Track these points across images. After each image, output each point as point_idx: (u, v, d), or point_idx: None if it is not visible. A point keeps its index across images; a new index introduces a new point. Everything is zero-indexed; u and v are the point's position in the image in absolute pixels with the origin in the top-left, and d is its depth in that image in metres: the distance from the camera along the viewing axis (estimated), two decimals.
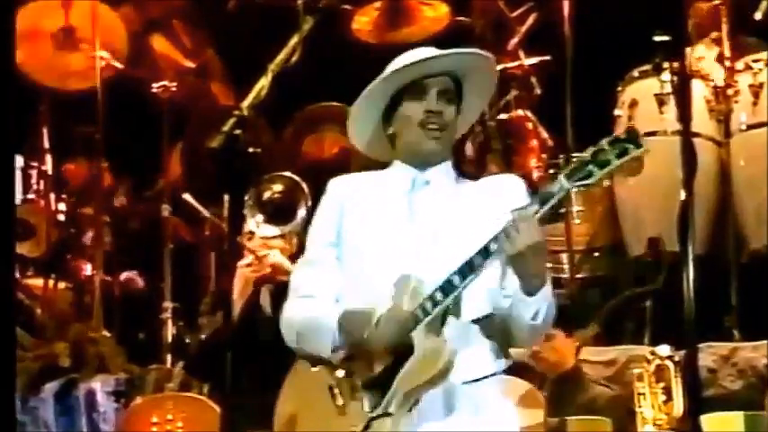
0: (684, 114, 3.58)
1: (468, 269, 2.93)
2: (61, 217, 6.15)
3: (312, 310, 3.09)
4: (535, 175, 5.70)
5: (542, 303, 2.95)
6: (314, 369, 3.07)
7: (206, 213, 5.60)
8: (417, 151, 3.13)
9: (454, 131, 3.17)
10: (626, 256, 5.51)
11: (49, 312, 5.96)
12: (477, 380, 3.04)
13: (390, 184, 3.18)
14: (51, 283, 6.05)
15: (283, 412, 3.15)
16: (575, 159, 2.82)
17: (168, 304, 5.79)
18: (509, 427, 3.06)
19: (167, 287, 5.80)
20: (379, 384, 2.99)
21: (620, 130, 5.20)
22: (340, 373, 3.04)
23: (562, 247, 5.65)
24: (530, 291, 2.94)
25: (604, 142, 2.81)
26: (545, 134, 5.82)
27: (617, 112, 5.44)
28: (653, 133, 5.27)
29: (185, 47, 6.39)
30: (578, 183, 2.80)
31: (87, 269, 6.10)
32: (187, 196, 5.55)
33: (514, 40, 5.99)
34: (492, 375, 3.07)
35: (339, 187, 3.21)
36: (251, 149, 3.36)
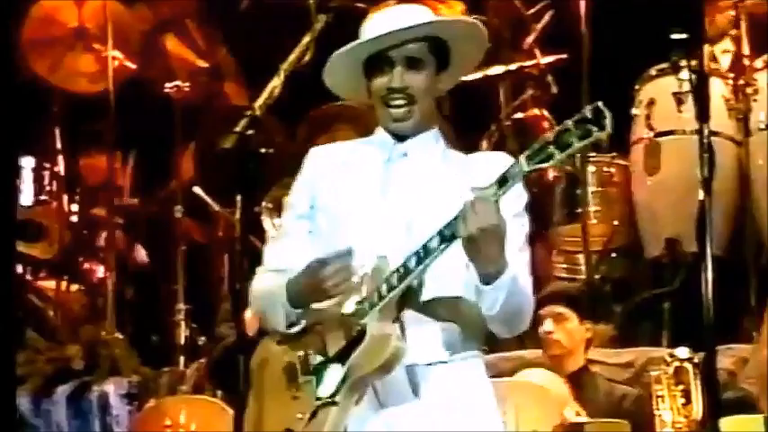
0: (703, 113, 3.51)
1: (425, 253, 2.78)
2: (74, 218, 6.14)
3: (272, 281, 2.93)
4: (551, 175, 5.64)
5: (500, 293, 2.75)
6: (277, 347, 2.95)
7: (216, 207, 5.59)
8: (385, 127, 2.98)
9: (429, 99, 2.97)
10: (643, 257, 5.46)
11: (61, 315, 5.96)
12: (444, 362, 2.87)
13: (368, 154, 3.02)
14: (64, 285, 6.04)
15: (251, 392, 3.04)
16: (537, 140, 2.68)
17: (181, 306, 5.77)
18: (482, 412, 2.90)
19: (180, 288, 5.78)
20: (330, 371, 2.86)
21: (637, 130, 5.39)
22: (283, 350, 2.90)
23: (578, 248, 5.59)
24: (486, 279, 2.75)
25: (569, 122, 2.65)
26: None
27: (634, 111, 5.40)
28: (671, 132, 5.28)
29: (198, 47, 6.37)
30: (537, 165, 2.67)
31: (100, 271, 6.09)
32: (197, 189, 5.54)
33: (530, 39, 5.94)
34: (463, 358, 2.89)
35: (316, 157, 3.04)
36: (264, 150, 3.30)
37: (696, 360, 4.15)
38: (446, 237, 2.77)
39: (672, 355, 4.23)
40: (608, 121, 2.63)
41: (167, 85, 5.98)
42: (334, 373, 2.85)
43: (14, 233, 3.39)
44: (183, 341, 5.73)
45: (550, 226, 5.67)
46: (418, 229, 2.86)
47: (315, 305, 2.89)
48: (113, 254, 5.98)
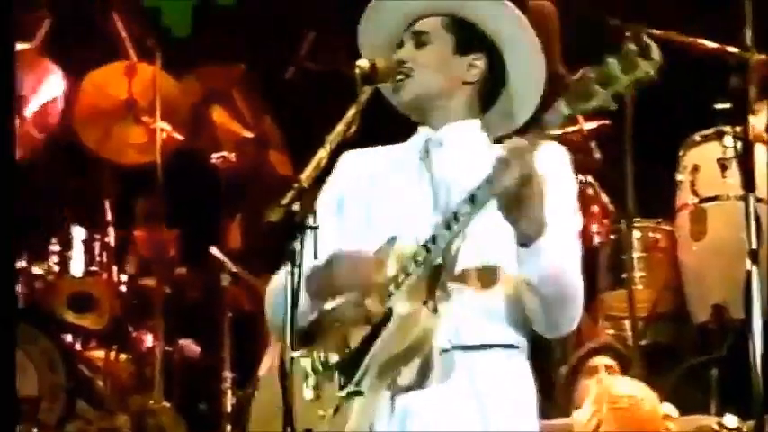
0: (748, 183, 3.52)
1: (454, 219, 2.55)
2: (123, 288, 6.16)
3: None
4: (596, 240, 5.60)
5: (541, 256, 2.51)
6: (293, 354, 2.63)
7: (233, 268, 5.59)
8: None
9: (437, 76, 2.81)
10: (690, 322, 5.42)
11: (110, 384, 5.96)
12: (475, 346, 2.66)
13: (404, 149, 2.88)
14: (113, 354, 6.05)
15: (260, 399, 2.85)
16: (573, 80, 2.41)
17: (228, 374, 5.75)
18: (519, 409, 2.66)
19: (227, 356, 5.76)
20: (354, 361, 2.62)
21: (682, 195, 5.36)
22: (301, 356, 2.64)
23: (624, 313, 5.55)
24: (524, 240, 2.51)
25: (610, 58, 2.36)
26: (606, 199, 5.70)
27: (679, 176, 5.40)
28: (716, 198, 5.26)
29: (243, 117, 6.41)
30: (581, 107, 2.39)
31: (148, 340, 6.11)
32: (214, 250, 5.54)
33: None
34: (502, 346, 2.68)
35: (348, 161, 2.91)
36: (310, 222, 3.31)
37: (745, 429, 4.12)
38: (476, 199, 2.53)
39: (720, 424, 4.20)
40: (654, 54, 2.35)
41: (214, 155, 6.05)
42: (358, 363, 2.62)
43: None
44: (229, 409, 5.70)
45: (596, 292, 5.61)
46: (451, 216, 2.62)
47: (329, 304, 2.70)
48: (162, 322, 5.98)
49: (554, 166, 2.70)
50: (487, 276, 2.69)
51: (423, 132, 2.90)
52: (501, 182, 2.47)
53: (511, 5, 2.90)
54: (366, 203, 2.84)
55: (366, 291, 2.67)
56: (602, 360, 4.69)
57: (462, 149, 2.83)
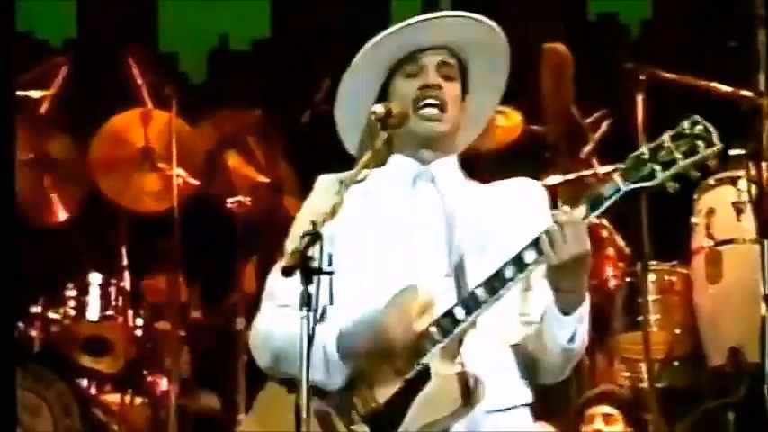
0: (764, 229, 3.51)
1: (498, 282, 2.52)
2: (138, 332, 6.15)
3: (296, 323, 2.53)
4: (612, 284, 5.60)
5: (579, 324, 2.55)
6: (292, 395, 2.58)
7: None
8: (413, 134, 2.74)
9: (456, 116, 2.77)
10: (706, 366, 5.38)
11: (125, 429, 5.93)
12: (504, 409, 2.65)
13: (389, 180, 2.80)
14: (128, 398, 6.03)
15: None
16: (631, 157, 2.42)
17: (242, 416, 5.67)
18: None
19: (242, 401, 5.73)
20: (382, 417, 2.56)
21: (698, 238, 5.34)
22: (320, 405, 2.54)
23: (640, 356, 5.51)
24: (566, 309, 2.53)
25: (666, 137, 2.39)
26: (621, 242, 5.72)
27: (694, 219, 5.39)
28: (731, 241, 5.24)
29: (258, 162, 6.42)
30: (638, 183, 2.41)
31: (163, 384, 6.08)
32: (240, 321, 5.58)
33: (588, 148, 5.90)
34: (523, 406, 2.69)
35: (325, 186, 2.84)
36: (326, 268, 3.29)
37: None
38: (523, 264, 2.51)
39: None
40: (715, 137, 2.35)
41: (229, 200, 6.05)
42: (390, 418, 2.55)
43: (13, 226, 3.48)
44: None
45: (611, 334, 5.61)
46: (460, 259, 2.63)
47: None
48: (177, 366, 5.98)
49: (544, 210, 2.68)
50: (507, 335, 2.69)
51: (407, 160, 2.82)
52: (559, 254, 2.46)
53: (497, 30, 2.84)
54: (357, 241, 2.78)
55: (394, 344, 2.60)
56: (599, 409, 4.68)
57: (452, 187, 2.80)
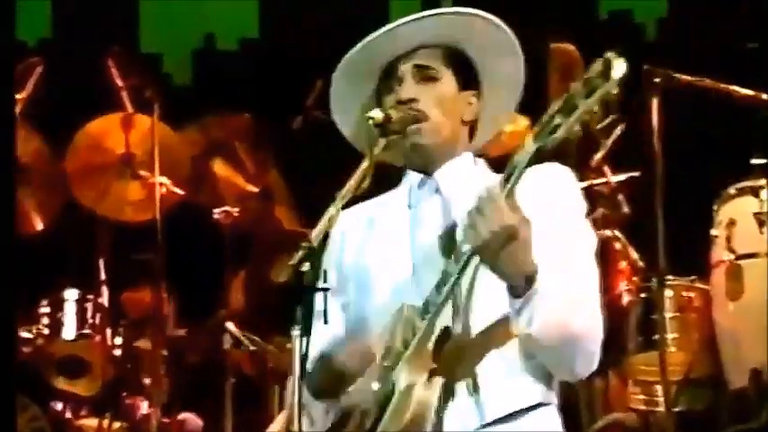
0: None
1: (443, 280, 2.48)
2: (117, 352, 6.03)
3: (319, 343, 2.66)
4: (625, 300, 5.47)
5: (535, 304, 2.41)
6: None
7: (251, 346, 5.56)
8: (405, 148, 2.69)
9: (450, 115, 2.71)
10: (726, 388, 5.26)
11: None
12: (504, 418, 2.53)
13: (394, 199, 2.80)
14: (106, 423, 5.87)
15: None
16: (542, 117, 2.32)
17: None
18: None
19: (229, 426, 5.64)
20: None
21: (718, 251, 5.17)
22: None
23: (656, 377, 5.35)
24: (515, 291, 2.43)
25: (573, 85, 2.26)
26: (635, 255, 5.60)
27: (714, 231, 5.26)
28: (753, 255, 5.13)
29: (247, 170, 6.30)
30: (544, 140, 2.29)
31: (143, 407, 5.96)
32: (230, 325, 5.50)
33: (599, 155, 5.78)
34: (529, 409, 2.55)
35: (340, 222, 2.74)
36: (319, 284, 3.11)
37: None
38: (460, 255, 2.45)
39: None
40: (615, 71, 2.19)
41: (216, 210, 5.96)
42: None
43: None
44: None
45: (625, 354, 5.46)
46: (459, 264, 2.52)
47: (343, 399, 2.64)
48: (158, 388, 5.83)
49: (550, 189, 2.60)
50: (501, 331, 2.56)
51: (409, 175, 2.81)
52: (478, 235, 2.41)
53: (497, 22, 2.75)
54: (360, 265, 2.77)
55: (372, 371, 2.62)
56: None
57: (456, 196, 2.70)
